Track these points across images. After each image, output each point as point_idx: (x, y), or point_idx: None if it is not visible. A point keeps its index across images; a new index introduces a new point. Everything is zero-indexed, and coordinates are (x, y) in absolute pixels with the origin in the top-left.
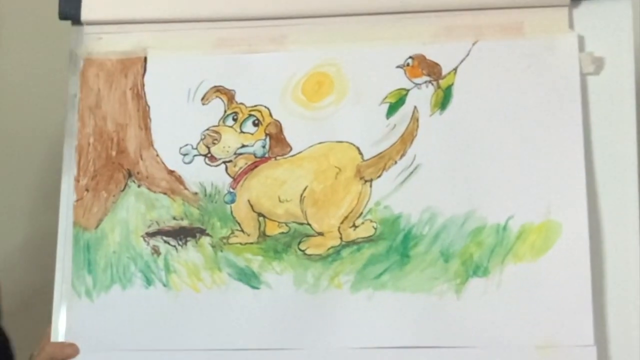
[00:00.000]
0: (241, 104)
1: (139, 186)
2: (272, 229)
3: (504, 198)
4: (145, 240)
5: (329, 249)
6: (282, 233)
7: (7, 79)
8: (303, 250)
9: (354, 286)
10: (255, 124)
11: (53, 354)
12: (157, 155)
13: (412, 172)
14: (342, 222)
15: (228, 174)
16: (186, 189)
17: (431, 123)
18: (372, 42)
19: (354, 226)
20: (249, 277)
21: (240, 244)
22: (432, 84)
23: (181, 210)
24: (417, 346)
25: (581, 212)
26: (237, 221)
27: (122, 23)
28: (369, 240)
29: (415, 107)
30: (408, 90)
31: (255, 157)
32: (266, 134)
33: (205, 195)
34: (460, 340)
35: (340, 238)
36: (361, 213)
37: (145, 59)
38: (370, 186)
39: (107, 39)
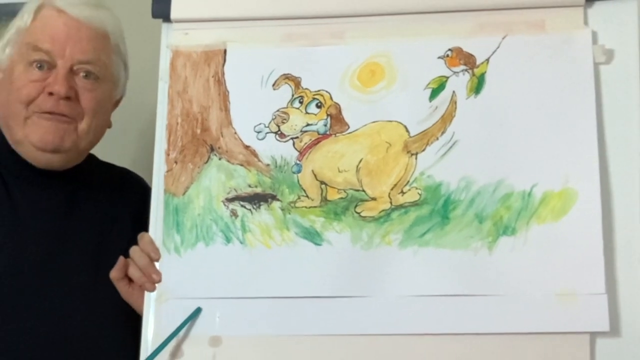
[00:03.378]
0: (306, 89)
1: (219, 159)
2: (333, 195)
3: (529, 169)
4: (225, 205)
5: (380, 211)
6: (341, 198)
7: None
8: (359, 213)
9: (402, 243)
10: (318, 106)
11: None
12: (235, 132)
13: (451, 147)
14: (392, 189)
15: (295, 148)
16: (260, 161)
17: (467, 105)
18: (417, 36)
19: (402, 192)
20: (312, 236)
21: (306, 207)
22: (468, 72)
23: (255, 179)
24: (455, 294)
25: (594, 181)
26: (302, 188)
27: (205, 21)
28: (415, 204)
29: (453, 92)
30: (448, 78)
31: (318, 134)
32: (327, 115)
33: (276, 166)
34: (492, 289)
35: (390, 202)
36: (408, 181)
37: (225, 51)
38: (416, 159)
39: (192, 34)
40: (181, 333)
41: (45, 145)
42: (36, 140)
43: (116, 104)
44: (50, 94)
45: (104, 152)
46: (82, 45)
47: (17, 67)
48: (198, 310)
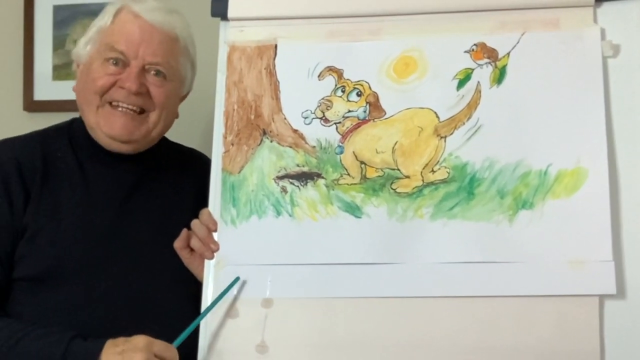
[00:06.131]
0: (348, 79)
1: (271, 141)
2: (371, 173)
3: (545, 150)
4: (275, 182)
5: (413, 188)
6: (379, 176)
7: None
8: (394, 189)
9: (432, 216)
10: (358, 95)
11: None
12: (285, 118)
13: (476, 131)
14: (423, 168)
15: (338, 132)
16: (307, 143)
17: (491, 94)
18: (446, 33)
19: (433, 171)
20: (353, 209)
21: (347, 184)
22: (491, 65)
23: (303, 159)
24: (479, 261)
25: (603, 160)
26: (344, 167)
27: (258, 19)
28: (444, 181)
29: (478, 82)
30: (473, 69)
31: (359, 119)
32: (366, 102)
33: (321, 148)
34: (512, 257)
35: (422, 180)
36: (438, 161)
37: (276, 46)
38: (445, 141)
39: (247, 31)
40: (236, 296)
41: (115, 136)
42: (107, 130)
43: (183, 98)
44: (122, 87)
45: (170, 134)
46: (154, 48)
47: (95, 62)
48: (236, 280)
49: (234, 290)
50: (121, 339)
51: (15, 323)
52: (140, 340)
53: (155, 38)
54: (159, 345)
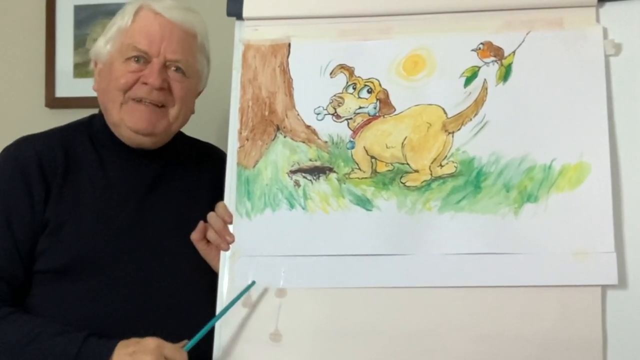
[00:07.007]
0: (359, 77)
1: (284, 137)
2: (381, 167)
3: (549, 145)
4: (289, 176)
5: (422, 182)
6: (389, 170)
7: None
8: (404, 183)
9: (440, 209)
10: (369, 92)
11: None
12: (298, 114)
13: (482, 127)
14: (432, 163)
15: (349, 128)
16: (319, 138)
17: (497, 91)
18: (453, 32)
19: (441, 165)
20: (364, 203)
21: (358, 178)
22: (497, 63)
23: (315, 154)
24: (485, 252)
25: (605, 155)
26: (355, 162)
27: (272, 19)
28: (452, 175)
29: (485, 80)
30: (480, 67)
31: (369, 115)
32: (377, 99)
33: (333, 143)
34: (517, 248)
35: (431, 174)
36: (446, 156)
37: (290, 44)
38: (453, 137)
39: (261, 30)
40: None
41: (139, 130)
42: (131, 125)
43: (198, 94)
44: (145, 84)
45: (188, 130)
46: (174, 46)
47: (117, 61)
48: (252, 284)
49: (248, 280)
50: (133, 340)
51: (33, 319)
52: (151, 342)
53: (175, 35)
54: (169, 348)
